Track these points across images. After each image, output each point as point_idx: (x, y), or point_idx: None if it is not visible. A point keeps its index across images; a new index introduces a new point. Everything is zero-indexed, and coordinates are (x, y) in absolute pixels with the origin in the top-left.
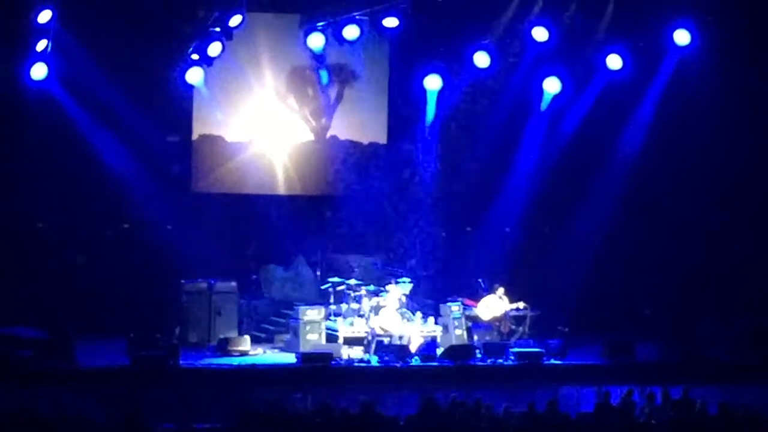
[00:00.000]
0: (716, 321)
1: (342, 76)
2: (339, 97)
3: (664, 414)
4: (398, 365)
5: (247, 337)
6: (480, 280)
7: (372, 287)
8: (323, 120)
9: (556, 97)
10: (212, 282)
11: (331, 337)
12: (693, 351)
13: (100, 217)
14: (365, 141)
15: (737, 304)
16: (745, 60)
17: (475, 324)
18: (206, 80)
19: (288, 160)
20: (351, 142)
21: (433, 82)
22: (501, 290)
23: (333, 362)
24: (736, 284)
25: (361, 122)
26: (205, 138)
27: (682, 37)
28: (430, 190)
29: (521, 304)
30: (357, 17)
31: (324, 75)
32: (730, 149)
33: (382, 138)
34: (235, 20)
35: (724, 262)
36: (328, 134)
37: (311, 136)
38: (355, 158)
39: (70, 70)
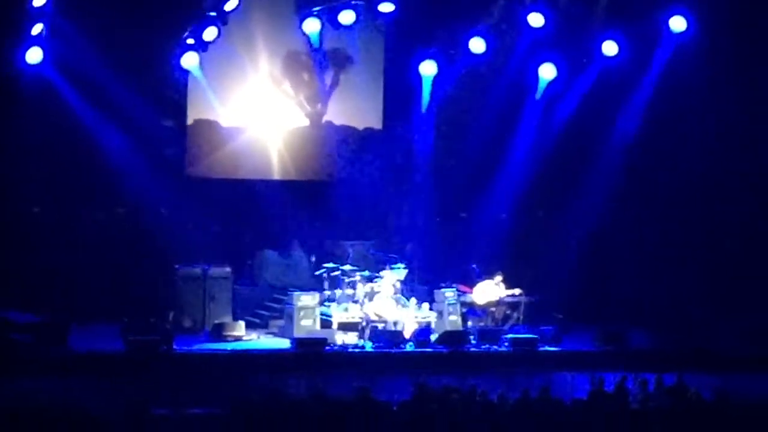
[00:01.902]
0: (712, 311)
1: (338, 60)
2: (335, 83)
3: (658, 400)
4: (392, 351)
5: (241, 323)
6: (474, 265)
7: (367, 273)
8: (319, 105)
9: (551, 84)
10: (206, 267)
11: (326, 323)
12: (688, 340)
13: (95, 202)
14: (361, 127)
15: (734, 295)
16: (741, 47)
17: (469, 310)
18: (202, 65)
19: (283, 146)
20: (347, 127)
21: (428, 68)
22: (499, 277)
23: (327, 348)
24: (733, 275)
25: (356, 108)
26: (200, 123)
27: (677, 23)
28: (425, 175)
29: (516, 291)
30: (353, 2)
31: (319, 63)
32: (726, 136)
33: (377, 124)
34: (230, 5)
35: (721, 251)
36: (324, 120)
37: (306, 122)
38: (350, 144)
39: (66, 54)
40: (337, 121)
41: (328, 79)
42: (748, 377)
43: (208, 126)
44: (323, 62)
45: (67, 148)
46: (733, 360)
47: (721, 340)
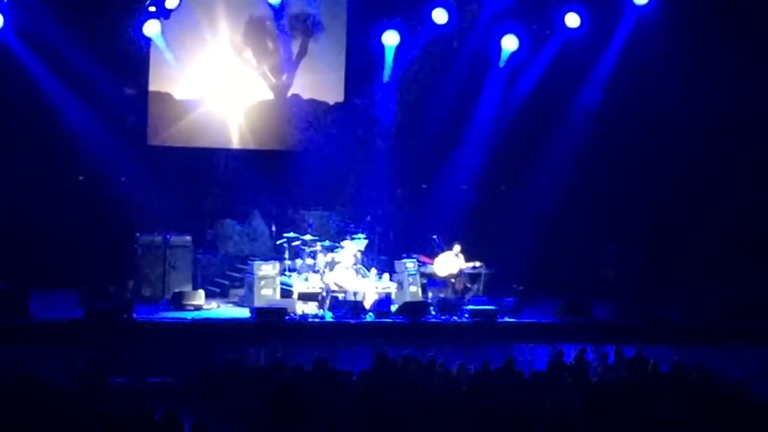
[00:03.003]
0: (673, 284)
1: (305, 28)
2: (302, 52)
3: (617, 372)
4: (352, 321)
5: (201, 292)
6: (435, 237)
7: (327, 243)
8: (284, 77)
9: (514, 55)
10: (167, 236)
11: (286, 293)
12: (648, 312)
13: (56, 169)
14: (329, 101)
15: (695, 267)
16: (702, 19)
17: (430, 281)
18: (163, 33)
19: (244, 118)
20: (314, 101)
21: (390, 38)
22: (458, 248)
23: (287, 317)
24: (696, 247)
25: (320, 79)
26: (160, 93)
27: None
28: (387, 146)
29: (477, 262)
30: None
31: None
32: (688, 108)
33: (339, 94)
34: None
35: (682, 224)
36: (290, 93)
37: (271, 95)
38: (314, 116)
39: (27, 21)
40: (305, 95)
41: (296, 48)
42: (705, 349)
43: (167, 97)
44: (289, 29)
45: (28, 115)
46: (691, 332)
47: (681, 312)
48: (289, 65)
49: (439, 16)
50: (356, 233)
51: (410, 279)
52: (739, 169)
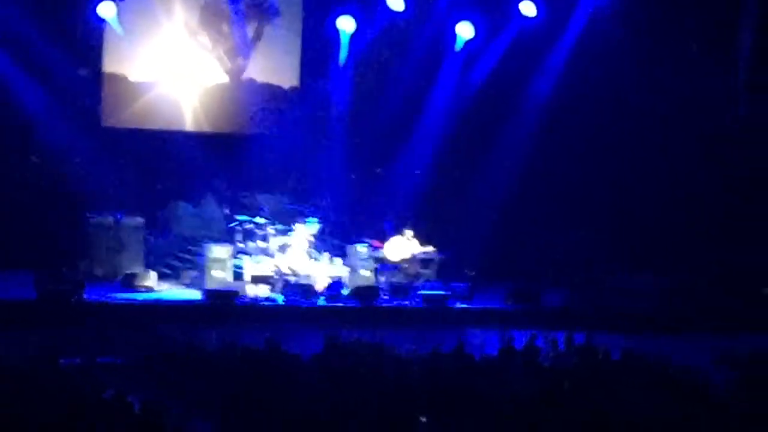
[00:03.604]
0: (624, 273)
1: (261, 11)
2: (258, 36)
3: (568, 359)
4: (304, 304)
5: (153, 273)
6: (388, 221)
7: (280, 226)
8: (239, 60)
9: (469, 42)
10: (119, 216)
11: (238, 275)
12: (598, 300)
13: (8, 150)
14: (284, 85)
15: (647, 256)
16: (657, 7)
17: (382, 265)
18: (118, 15)
19: (199, 101)
20: (269, 85)
21: (346, 24)
22: (410, 233)
23: (239, 300)
24: (648, 236)
25: (276, 63)
26: (115, 75)
27: None
28: (341, 131)
29: (429, 247)
30: None
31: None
32: (644, 96)
33: (295, 79)
34: None
35: (634, 211)
36: (245, 77)
37: (225, 78)
38: (269, 100)
39: None
40: (260, 79)
41: (251, 31)
42: (656, 337)
43: (121, 79)
44: (245, 13)
45: None
46: (641, 320)
47: (632, 301)
48: (244, 49)
49: (396, 2)
50: (309, 217)
51: (362, 263)
52: (695, 157)
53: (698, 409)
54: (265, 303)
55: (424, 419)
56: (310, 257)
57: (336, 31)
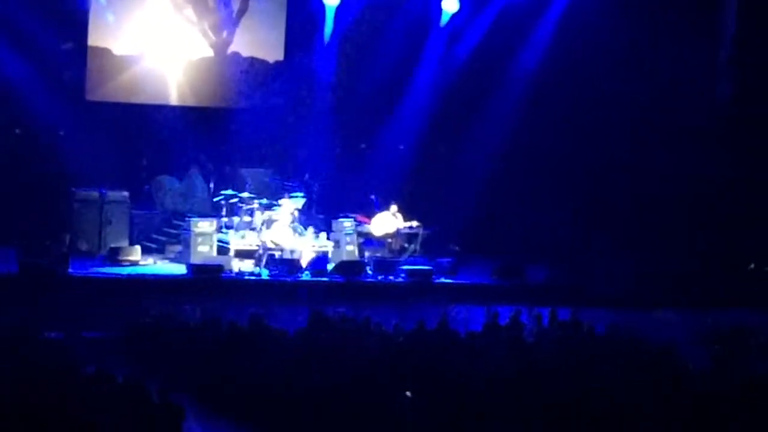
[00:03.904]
0: (607, 248)
1: None
2: (242, 10)
3: (552, 334)
4: (288, 279)
5: (137, 247)
6: (373, 196)
7: (265, 201)
8: (224, 34)
9: (454, 17)
10: (104, 191)
11: (223, 250)
12: (581, 277)
13: None
14: (269, 59)
15: (629, 232)
16: None
17: (366, 240)
18: None
19: (183, 75)
20: (254, 59)
21: None
22: (394, 207)
23: (223, 274)
24: (630, 212)
25: (260, 37)
26: (99, 48)
27: None
28: (326, 105)
29: (414, 222)
30: None
31: None
32: (629, 73)
33: (279, 53)
34: None
35: (619, 189)
36: (230, 50)
37: (210, 52)
38: (254, 74)
39: None
40: (245, 53)
41: (236, 5)
42: (637, 313)
43: (105, 53)
44: None
45: None
46: (621, 299)
47: (613, 277)
48: (229, 23)
49: None
50: (294, 191)
51: (347, 238)
52: (679, 136)
53: (678, 385)
54: (250, 278)
55: (409, 394)
56: (295, 232)
57: (321, 5)
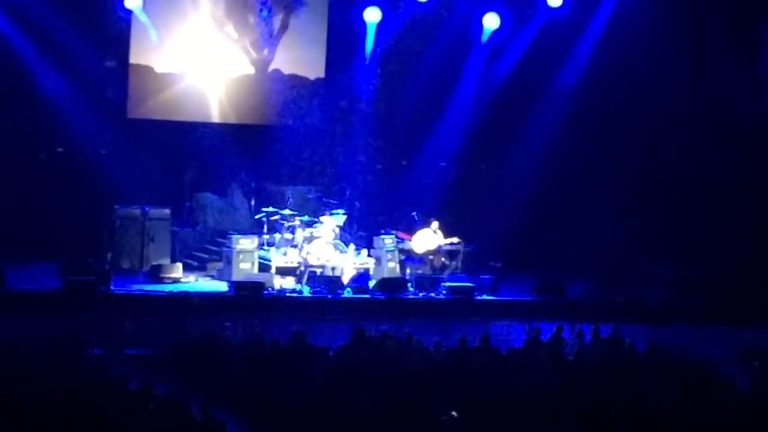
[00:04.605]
0: (650, 264)
1: (287, 2)
2: (284, 27)
3: (593, 351)
4: (330, 296)
5: (179, 265)
6: (414, 213)
7: (306, 218)
8: (265, 52)
9: (495, 34)
10: (146, 208)
11: (264, 267)
12: (624, 292)
13: (35, 141)
14: (310, 76)
15: (671, 248)
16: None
17: (408, 257)
18: (145, 6)
19: (224, 93)
20: (295, 76)
21: (372, 15)
22: (435, 224)
23: (265, 292)
24: (672, 228)
25: (301, 55)
26: (141, 66)
27: None
28: (367, 122)
29: (455, 239)
30: None
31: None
32: (669, 89)
33: (320, 70)
34: None
35: (660, 205)
36: (271, 68)
37: (252, 70)
38: (295, 91)
39: None
40: (286, 70)
41: (277, 23)
42: (679, 328)
43: (147, 70)
44: (271, 4)
45: (8, 86)
46: (666, 312)
47: (657, 293)
48: (270, 40)
49: None
50: (335, 208)
51: (388, 255)
52: (721, 151)
53: (721, 401)
54: (291, 295)
55: (455, 414)
56: (337, 249)
57: (362, 22)
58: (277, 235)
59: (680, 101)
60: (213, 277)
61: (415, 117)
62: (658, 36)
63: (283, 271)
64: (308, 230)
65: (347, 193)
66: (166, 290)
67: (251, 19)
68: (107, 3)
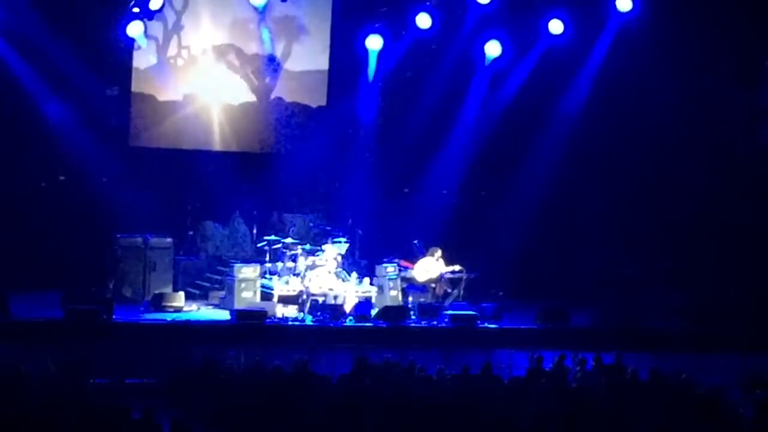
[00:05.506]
0: (653, 291)
1: (289, 31)
2: (286, 55)
3: (596, 379)
4: (332, 325)
5: (181, 293)
6: (416, 241)
7: (308, 246)
8: (267, 79)
9: (497, 61)
10: (148, 237)
11: (266, 295)
12: (627, 319)
13: (36, 169)
14: (312, 104)
15: (676, 275)
16: (686, 26)
17: (410, 285)
18: (147, 34)
19: (227, 120)
20: (297, 104)
21: (374, 42)
22: (438, 252)
23: (267, 320)
24: (676, 254)
25: (303, 83)
26: (143, 94)
27: (624, 3)
28: (369, 151)
29: (457, 267)
30: None
31: (265, 34)
32: (673, 114)
33: (322, 98)
34: None
35: (662, 231)
36: (273, 95)
37: (253, 97)
38: (297, 119)
39: (11, 20)
40: (288, 98)
41: (279, 50)
42: (683, 356)
43: (149, 98)
44: (272, 32)
45: (9, 114)
46: (670, 339)
47: (660, 320)
48: (272, 68)
49: (423, 21)
50: (337, 237)
51: (390, 283)
52: (724, 176)
53: (725, 429)
54: (294, 323)
55: None
56: (339, 277)
57: (364, 50)
58: (280, 264)
59: (682, 130)
60: (215, 306)
61: (416, 145)
62: (659, 64)
63: (285, 300)
64: (310, 258)
65: (349, 221)
66: (169, 319)
67: (253, 47)
68: (109, 31)
